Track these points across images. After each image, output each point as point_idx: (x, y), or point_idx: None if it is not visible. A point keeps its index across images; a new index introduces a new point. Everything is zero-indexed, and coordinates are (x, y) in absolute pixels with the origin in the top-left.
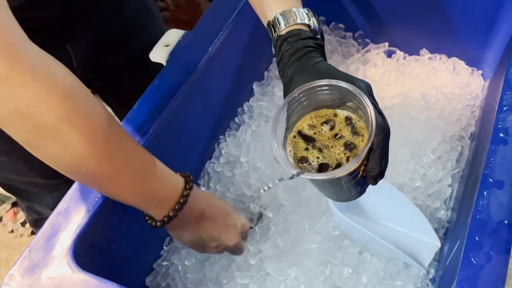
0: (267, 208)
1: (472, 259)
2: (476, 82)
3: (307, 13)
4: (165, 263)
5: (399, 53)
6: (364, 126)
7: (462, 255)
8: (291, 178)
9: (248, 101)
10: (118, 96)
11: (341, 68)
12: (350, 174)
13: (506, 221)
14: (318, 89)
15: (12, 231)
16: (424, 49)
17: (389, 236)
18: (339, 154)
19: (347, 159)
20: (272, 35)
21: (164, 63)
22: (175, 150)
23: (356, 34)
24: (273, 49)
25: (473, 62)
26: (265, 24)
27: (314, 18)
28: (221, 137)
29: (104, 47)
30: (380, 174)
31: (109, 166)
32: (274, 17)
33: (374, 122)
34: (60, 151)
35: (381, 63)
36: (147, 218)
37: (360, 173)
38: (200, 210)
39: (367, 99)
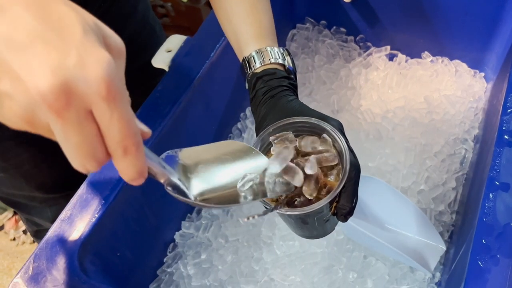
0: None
1: (479, 263)
2: (478, 85)
3: (282, 53)
4: (169, 269)
5: (401, 56)
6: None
7: (469, 258)
8: (264, 213)
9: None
10: None
11: (343, 71)
12: (322, 211)
13: None
14: (292, 126)
15: (14, 239)
16: (426, 52)
17: (394, 240)
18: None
19: (317, 198)
20: (247, 71)
21: (167, 69)
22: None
23: (357, 38)
24: (246, 85)
25: (475, 64)
26: (240, 59)
27: (288, 57)
28: (229, 135)
29: None
30: (350, 212)
31: None
32: (250, 55)
33: (348, 160)
34: None
35: (383, 67)
36: None
37: (332, 210)
38: None
39: (342, 137)
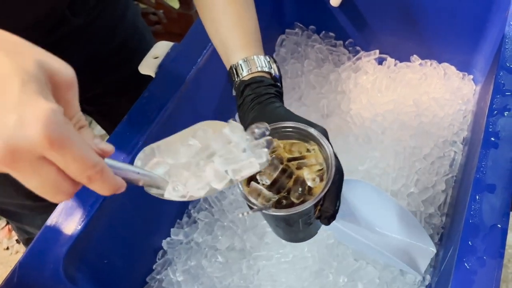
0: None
1: (466, 264)
2: (467, 87)
3: (268, 61)
4: (158, 276)
5: (390, 60)
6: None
7: (456, 260)
8: (254, 211)
9: None
10: (111, 118)
11: (333, 76)
12: (307, 213)
13: (499, 225)
14: (280, 130)
15: (7, 248)
16: (414, 55)
17: (385, 243)
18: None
19: (302, 201)
20: (235, 79)
21: (153, 75)
22: None
23: (346, 42)
24: (234, 92)
25: (464, 67)
26: (228, 67)
27: (274, 65)
28: None
29: (95, 71)
30: (333, 215)
31: None
32: (237, 63)
33: (333, 165)
34: None
35: (372, 70)
36: None
37: (316, 213)
38: None
39: (328, 142)
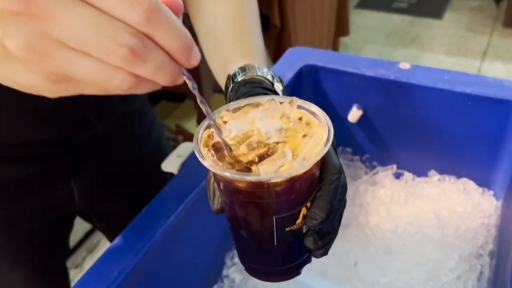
0: None
1: None
2: (488, 202)
3: (272, 74)
4: None
5: (407, 175)
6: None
7: None
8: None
9: None
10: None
11: (350, 189)
12: (290, 206)
13: None
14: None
15: None
16: (432, 170)
17: None
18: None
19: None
20: (229, 86)
21: (176, 173)
22: (187, 252)
23: (363, 157)
24: (227, 99)
25: (483, 182)
26: (224, 79)
27: (279, 84)
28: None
29: (113, 187)
30: (323, 233)
31: None
32: (235, 71)
33: (331, 127)
34: None
35: (389, 184)
36: None
37: (299, 218)
38: None
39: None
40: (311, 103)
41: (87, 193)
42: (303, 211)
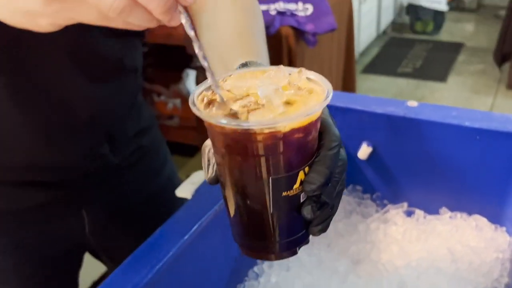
0: None
1: None
2: (501, 238)
3: None
4: None
5: (419, 212)
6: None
7: None
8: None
9: None
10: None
11: (361, 227)
12: (286, 166)
13: None
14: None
15: None
16: (444, 208)
17: None
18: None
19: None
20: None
21: (190, 197)
22: (198, 273)
23: (374, 196)
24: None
25: (495, 219)
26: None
27: None
28: (245, 278)
29: (123, 221)
30: (321, 204)
31: None
32: (237, 66)
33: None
34: None
35: (401, 222)
36: None
37: (297, 183)
38: None
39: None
40: (316, 73)
41: (98, 226)
42: (301, 175)
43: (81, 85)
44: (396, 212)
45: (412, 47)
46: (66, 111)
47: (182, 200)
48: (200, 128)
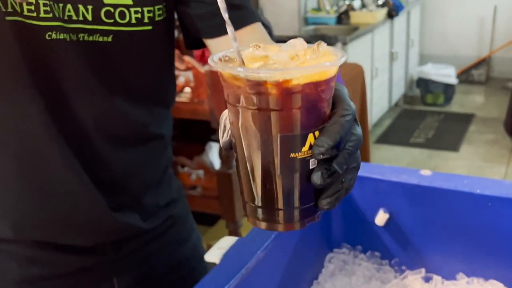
0: None
1: None
2: None
3: None
4: None
5: (437, 278)
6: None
7: None
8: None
9: None
10: None
11: None
12: (295, 124)
13: None
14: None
15: None
16: (460, 273)
17: None
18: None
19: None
20: None
21: (218, 262)
22: None
23: (392, 262)
24: None
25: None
26: None
27: None
28: None
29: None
30: (331, 172)
31: None
32: None
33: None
34: None
35: None
36: None
37: (306, 145)
38: None
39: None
40: (333, 47)
41: None
42: (311, 138)
43: (104, 148)
44: (414, 278)
45: (424, 118)
46: (92, 173)
47: (206, 269)
48: (221, 197)
